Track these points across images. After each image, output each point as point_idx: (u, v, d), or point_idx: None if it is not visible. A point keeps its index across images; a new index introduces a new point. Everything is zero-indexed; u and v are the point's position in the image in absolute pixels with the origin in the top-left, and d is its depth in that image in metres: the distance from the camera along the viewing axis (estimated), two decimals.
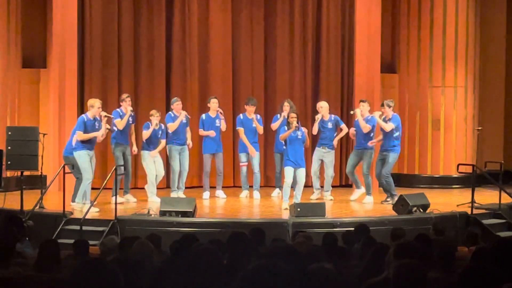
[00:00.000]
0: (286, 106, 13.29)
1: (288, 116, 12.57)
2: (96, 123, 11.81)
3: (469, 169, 12.35)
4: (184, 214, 10.88)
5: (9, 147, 11.47)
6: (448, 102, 15.48)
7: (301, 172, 12.28)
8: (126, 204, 12.50)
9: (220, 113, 13.33)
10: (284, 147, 12.42)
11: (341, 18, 15.56)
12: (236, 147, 14.34)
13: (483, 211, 12.10)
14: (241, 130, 13.48)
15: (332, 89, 15.51)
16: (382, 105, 13.08)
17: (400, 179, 14.79)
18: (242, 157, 13.53)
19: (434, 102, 15.52)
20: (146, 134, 12.81)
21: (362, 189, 13.17)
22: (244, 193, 13.62)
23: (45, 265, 5.79)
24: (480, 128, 14.99)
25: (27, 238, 8.78)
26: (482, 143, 15.57)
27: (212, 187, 13.56)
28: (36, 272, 5.68)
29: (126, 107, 12.75)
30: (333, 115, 13.46)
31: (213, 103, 13.36)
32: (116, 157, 12.65)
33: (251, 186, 13.60)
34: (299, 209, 11.04)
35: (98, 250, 8.07)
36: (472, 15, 15.56)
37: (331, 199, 13.21)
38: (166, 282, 4.67)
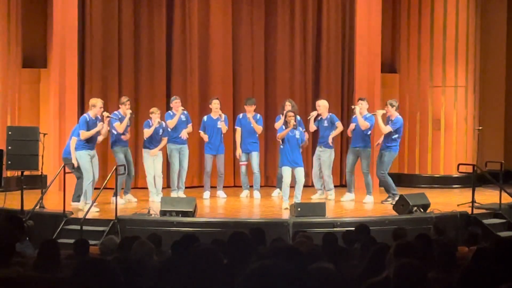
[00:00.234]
0: (288, 106, 13.26)
1: (285, 115, 12.46)
2: (97, 122, 11.82)
3: (469, 169, 12.35)
4: (185, 214, 10.87)
5: (9, 147, 11.48)
6: (448, 102, 15.47)
7: (300, 171, 12.21)
8: (126, 204, 12.50)
9: (220, 115, 13.32)
10: (281, 146, 12.36)
11: (341, 18, 15.56)
12: (236, 147, 14.33)
13: (484, 211, 12.08)
14: (238, 129, 13.50)
15: (332, 89, 15.50)
16: (387, 104, 13.05)
17: (401, 179, 14.79)
18: (242, 156, 13.53)
19: (434, 102, 15.51)
20: (148, 132, 12.78)
21: (352, 195, 13.15)
22: (245, 193, 13.62)
23: (45, 265, 5.78)
24: (480, 128, 14.99)
25: (27, 238, 8.76)
26: (482, 143, 15.57)
27: (213, 187, 13.57)
28: (36, 272, 5.67)
29: (125, 110, 12.70)
30: (329, 114, 13.36)
31: (215, 104, 13.35)
32: (118, 158, 12.60)
33: (251, 186, 13.61)
34: (299, 209, 11.02)
35: (98, 250, 8.07)
36: (473, 15, 15.54)
37: (331, 199, 13.20)
38: (167, 282, 4.66)
